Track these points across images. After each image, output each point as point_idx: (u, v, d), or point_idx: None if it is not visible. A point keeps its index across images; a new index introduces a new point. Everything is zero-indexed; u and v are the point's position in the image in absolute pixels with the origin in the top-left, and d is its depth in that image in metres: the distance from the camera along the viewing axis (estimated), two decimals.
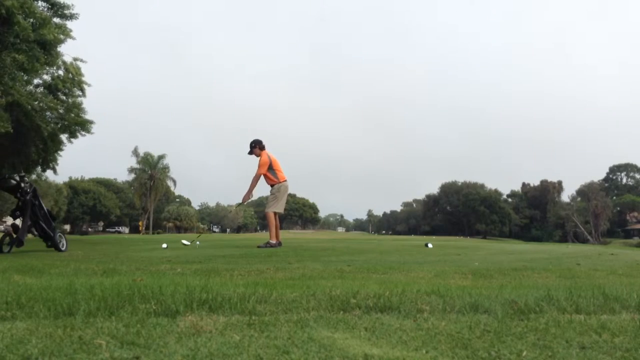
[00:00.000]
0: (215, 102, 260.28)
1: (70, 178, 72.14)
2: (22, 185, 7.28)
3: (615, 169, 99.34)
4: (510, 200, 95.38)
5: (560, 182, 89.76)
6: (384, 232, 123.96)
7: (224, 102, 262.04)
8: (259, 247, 7.89)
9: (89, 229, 73.37)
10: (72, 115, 14.70)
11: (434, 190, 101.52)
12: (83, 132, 15.56)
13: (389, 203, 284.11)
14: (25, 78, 12.01)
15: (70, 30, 12.98)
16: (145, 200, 66.98)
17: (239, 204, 9.50)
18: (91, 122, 15.49)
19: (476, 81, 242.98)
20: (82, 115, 15.22)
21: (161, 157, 66.83)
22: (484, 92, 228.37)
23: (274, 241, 8.13)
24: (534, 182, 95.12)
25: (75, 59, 14.88)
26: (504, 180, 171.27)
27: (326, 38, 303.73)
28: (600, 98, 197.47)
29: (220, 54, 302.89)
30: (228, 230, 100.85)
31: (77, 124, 15.00)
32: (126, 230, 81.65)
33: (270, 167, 8.31)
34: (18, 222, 7.58)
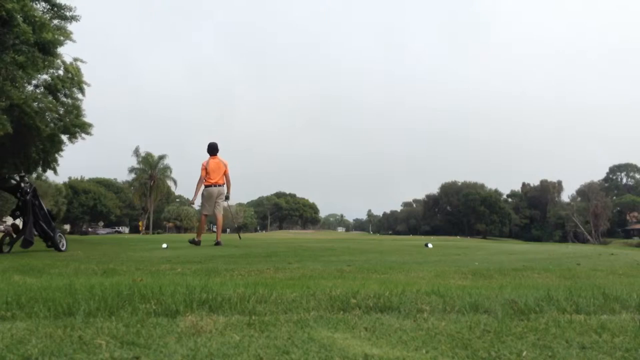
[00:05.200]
0: (215, 102, 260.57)
1: (70, 178, 72.19)
2: (22, 185, 7.27)
3: (615, 169, 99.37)
4: (510, 200, 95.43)
5: (560, 182, 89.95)
6: (387, 232, 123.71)
7: (224, 102, 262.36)
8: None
9: (89, 229, 73.35)
10: (72, 116, 14.69)
11: (434, 190, 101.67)
12: (83, 135, 15.56)
13: (389, 203, 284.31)
14: (25, 79, 11.99)
15: (71, 32, 12.99)
16: (145, 200, 66.96)
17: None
18: (90, 125, 15.49)
19: (476, 82, 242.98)
20: (82, 117, 15.21)
21: (162, 157, 66.86)
22: (486, 93, 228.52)
23: (197, 239, 8.89)
24: (534, 182, 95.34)
25: (75, 59, 14.86)
26: (504, 180, 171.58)
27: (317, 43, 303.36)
28: (601, 98, 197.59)
29: (224, 52, 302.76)
30: (228, 230, 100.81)
31: (76, 126, 14.99)
32: (126, 230, 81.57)
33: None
34: (18, 222, 7.57)
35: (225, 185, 9.06)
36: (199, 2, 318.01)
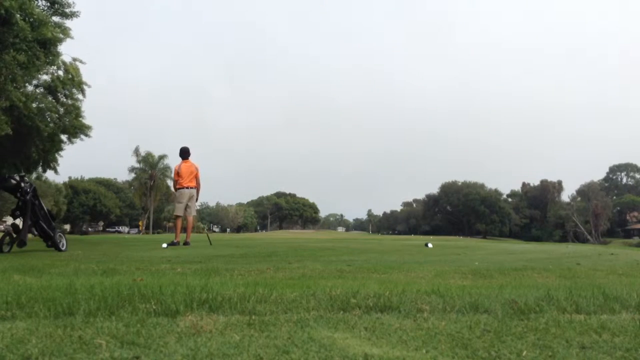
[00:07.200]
0: (210, 100, 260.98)
1: (70, 178, 72.14)
2: (22, 185, 7.26)
3: (615, 169, 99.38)
4: (510, 200, 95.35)
5: (560, 182, 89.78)
6: (387, 232, 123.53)
7: (219, 101, 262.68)
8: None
9: (89, 229, 73.33)
10: (72, 117, 14.66)
11: (434, 190, 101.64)
12: (82, 137, 15.54)
13: (389, 203, 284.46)
14: (25, 79, 11.93)
15: (70, 29, 12.93)
16: (145, 200, 66.94)
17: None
18: (89, 127, 15.47)
19: (476, 81, 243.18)
20: (81, 118, 15.17)
21: (162, 157, 66.78)
22: (486, 94, 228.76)
23: (176, 240, 9.05)
24: (534, 182, 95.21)
25: (75, 59, 14.83)
26: (504, 180, 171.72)
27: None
28: (601, 98, 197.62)
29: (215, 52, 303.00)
30: (228, 230, 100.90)
31: (75, 127, 14.96)
32: (127, 230, 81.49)
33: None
34: (18, 221, 7.57)
35: (195, 188, 9.34)
36: (183, 2, 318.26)
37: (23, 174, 8.42)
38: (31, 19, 10.73)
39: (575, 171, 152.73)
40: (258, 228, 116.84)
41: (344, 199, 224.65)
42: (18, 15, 10.11)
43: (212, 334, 1.59)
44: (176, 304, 1.95)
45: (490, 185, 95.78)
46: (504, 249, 9.44)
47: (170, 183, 70.82)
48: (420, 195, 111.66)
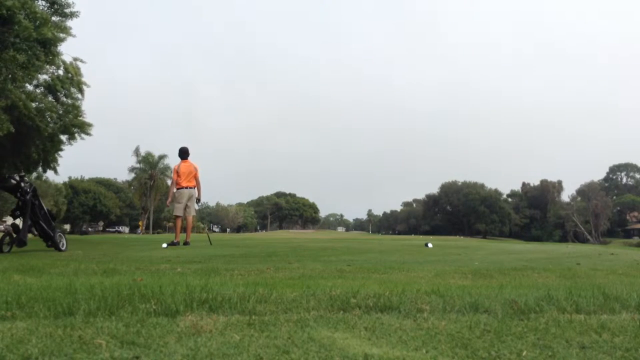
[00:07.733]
0: (210, 100, 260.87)
1: (70, 178, 72.12)
2: (22, 185, 7.27)
3: (615, 169, 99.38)
4: (510, 200, 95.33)
5: (560, 182, 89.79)
6: (387, 232, 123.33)
7: (219, 101, 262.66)
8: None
9: (89, 229, 73.32)
10: (71, 116, 14.64)
11: (434, 190, 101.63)
12: (82, 135, 15.50)
13: (389, 203, 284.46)
14: (25, 79, 11.92)
15: (70, 28, 12.92)
16: (145, 200, 66.91)
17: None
18: (90, 125, 15.43)
19: (475, 81, 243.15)
20: (80, 117, 15.14)
21: (162, 157, 66.76)
22: (485, 94, 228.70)
23: (176, 240, 9.07)
24: (534, 182, 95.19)
25: (75, 59, 14.81)
26: (504, 180, 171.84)
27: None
28: (600, 97, 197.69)
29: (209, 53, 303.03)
30: (228, 230, 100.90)
31: (75, 126, 14.92)
32: (127, 230, 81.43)
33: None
34: (18, 221, 7.57)
35: (195, 188, 9.39)
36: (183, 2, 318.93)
37: (23, 174, 8.41)
38: (33, 18, 10.72)
39: (575, 171, 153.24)
40: (258, 228, 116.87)
41: (344, 199, 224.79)
42: (20, 15, 10.11)
43: (212, 334, 1.59)
44: (176, 304, 1.95)
45: (490, 185, 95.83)
46: (504, 249, 9.43)
47: (170, 183, 70.64)
48: (420, 195, 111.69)
